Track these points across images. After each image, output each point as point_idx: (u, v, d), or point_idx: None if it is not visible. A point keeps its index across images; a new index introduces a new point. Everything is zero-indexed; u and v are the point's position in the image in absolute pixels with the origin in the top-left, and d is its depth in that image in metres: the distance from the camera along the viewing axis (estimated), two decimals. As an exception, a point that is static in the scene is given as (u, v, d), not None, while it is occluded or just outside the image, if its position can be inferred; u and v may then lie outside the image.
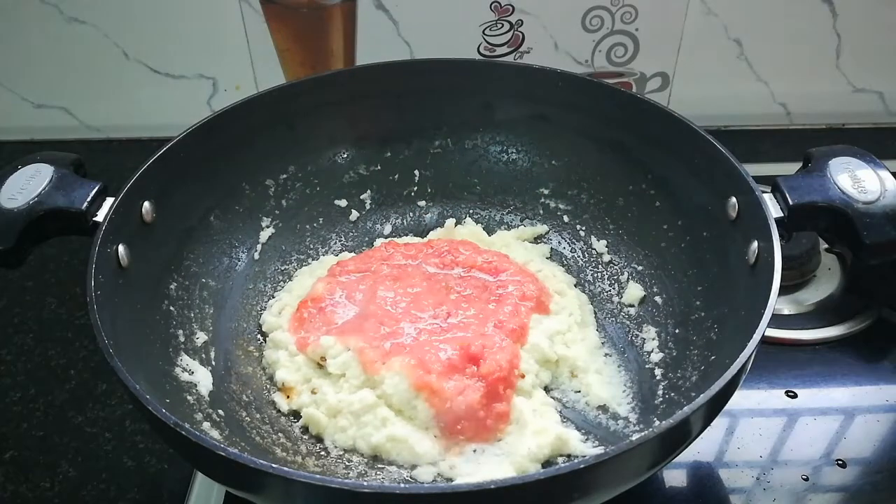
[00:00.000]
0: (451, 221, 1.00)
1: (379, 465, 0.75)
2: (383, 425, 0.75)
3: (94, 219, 0.73)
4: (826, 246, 1.01)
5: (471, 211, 1.02)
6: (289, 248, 0.96)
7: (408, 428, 0.76)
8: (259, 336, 0.88)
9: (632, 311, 0.89)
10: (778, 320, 0.93)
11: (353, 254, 0.97)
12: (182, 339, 0.81)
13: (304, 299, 0.88)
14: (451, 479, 0.72)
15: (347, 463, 0.75)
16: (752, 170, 0.77)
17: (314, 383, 0.81)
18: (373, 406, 0.76)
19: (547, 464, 0.73)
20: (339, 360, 0.80)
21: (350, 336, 0.81)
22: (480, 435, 0.74)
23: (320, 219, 0.99)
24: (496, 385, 0.76)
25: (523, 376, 0.79)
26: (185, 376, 0.77)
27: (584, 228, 0.97)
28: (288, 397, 0.81)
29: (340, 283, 0.88)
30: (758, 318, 0.63)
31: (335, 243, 0.99)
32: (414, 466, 0.74)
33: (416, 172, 1.01)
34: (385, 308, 0.84)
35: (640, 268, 0.91)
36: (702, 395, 0.58)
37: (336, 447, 0.76)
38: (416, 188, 1.02)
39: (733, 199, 0.78)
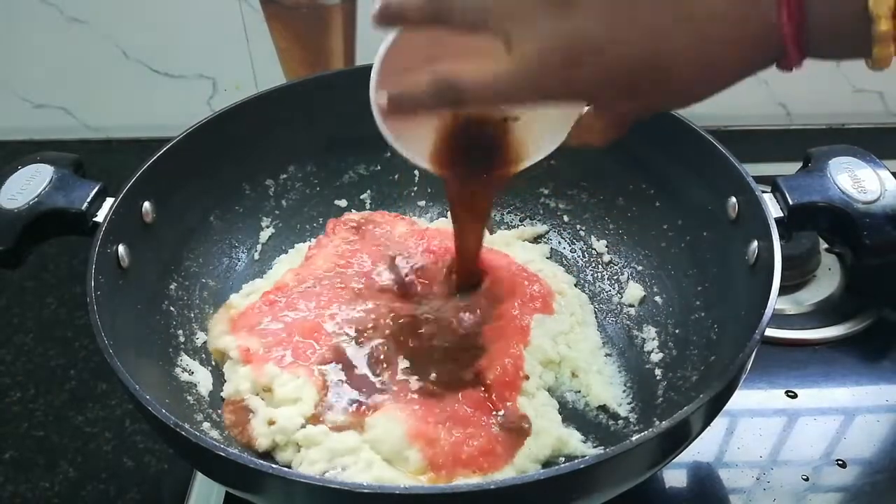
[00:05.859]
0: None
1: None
2: (368, 468, 0.69)
3: (94, 219, 0.73)
4: (826, 246, 1.01)
5: (471, 211, 1.02)
6: (289, 249, 0.96)
7: (396, 472, 0.69)
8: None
9: (632, 311, 0.89)
10: (778, 320, 0.93)
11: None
12: (182, 339, 0.81)
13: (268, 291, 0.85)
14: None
15: (347, 463, 0.75)
16: (752, 170, 0.76)
17: (266, 412, 0.73)
18: (355, 449, 0.70)
19: (547, 464, 0.73)
20: (289, 387, 0.74)
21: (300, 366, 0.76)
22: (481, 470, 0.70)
23: (320, 219, 0.99)
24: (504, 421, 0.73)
25: (527, 378, 0.78)
26: (185, 376, 0.77)
27: (584, 228, 0.97)
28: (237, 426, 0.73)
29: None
30: (758, 318, 0.63)
31: (335, 243, 0.99)
32: (414, 467, 0.74)
33: (416, 172, 1.01)
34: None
35: (640, 268, 0.91)
36: (702, 395, 0.58)
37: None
38: (415, 188, 1.02)
39: (733, 199, 0.78)
